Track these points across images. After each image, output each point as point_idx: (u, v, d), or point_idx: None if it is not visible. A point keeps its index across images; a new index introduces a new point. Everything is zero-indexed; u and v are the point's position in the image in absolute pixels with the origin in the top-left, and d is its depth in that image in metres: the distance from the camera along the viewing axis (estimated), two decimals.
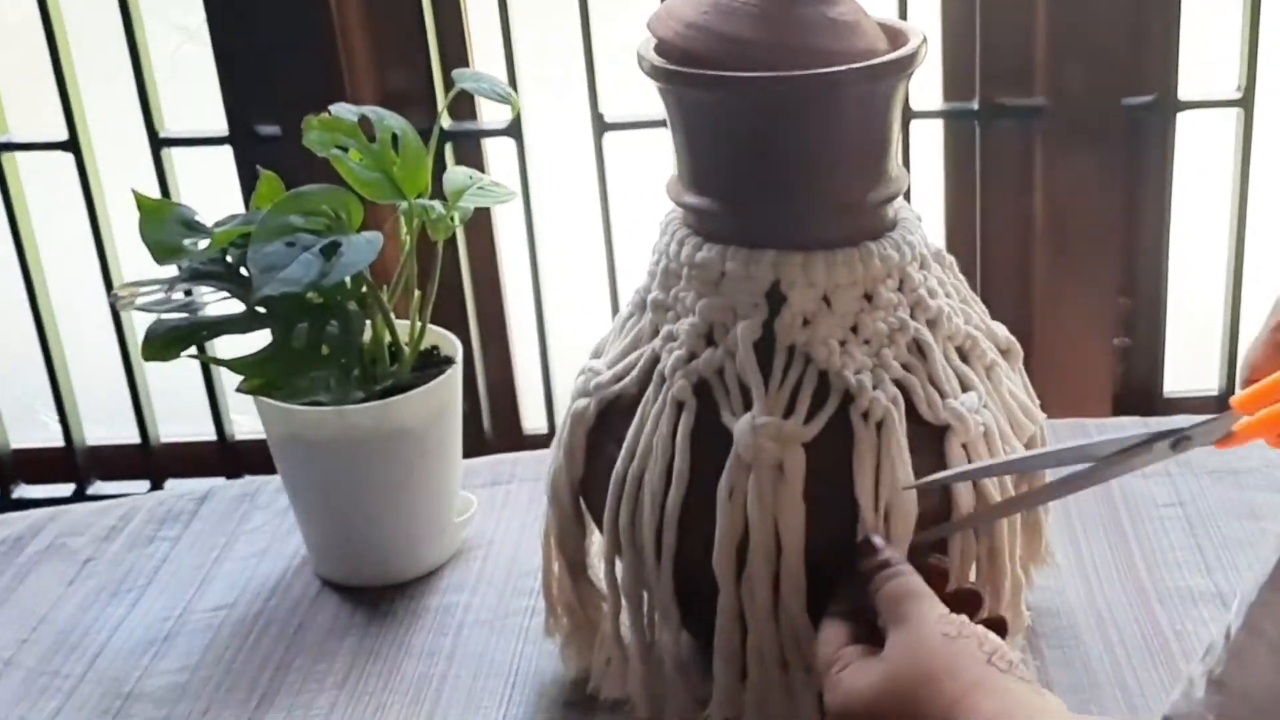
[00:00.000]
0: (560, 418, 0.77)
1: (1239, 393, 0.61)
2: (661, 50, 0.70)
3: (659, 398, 0.70)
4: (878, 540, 0.67)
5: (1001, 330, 0.77)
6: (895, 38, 0.70)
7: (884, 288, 0.70)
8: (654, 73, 0.69)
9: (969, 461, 0.69)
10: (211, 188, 1.38)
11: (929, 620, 0.62)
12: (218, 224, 0.85)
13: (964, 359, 0.72)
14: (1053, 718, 0.57)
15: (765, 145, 0.68)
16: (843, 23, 0.68)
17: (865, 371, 0.68)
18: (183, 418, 1.54)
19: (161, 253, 0.82)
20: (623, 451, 0.71)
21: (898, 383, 0.69)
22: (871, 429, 0.68)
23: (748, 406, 0.68)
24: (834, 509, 0.67)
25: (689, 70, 0.67)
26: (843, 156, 0.69)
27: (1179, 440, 0.64)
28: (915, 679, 0.60)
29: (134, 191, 0.84)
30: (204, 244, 0.82)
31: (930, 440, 0.69)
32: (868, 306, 0.69)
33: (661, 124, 1.31)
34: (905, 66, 0.67)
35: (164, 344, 0.76)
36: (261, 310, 0.80)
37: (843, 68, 0.66)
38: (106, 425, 1.54)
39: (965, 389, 0.71)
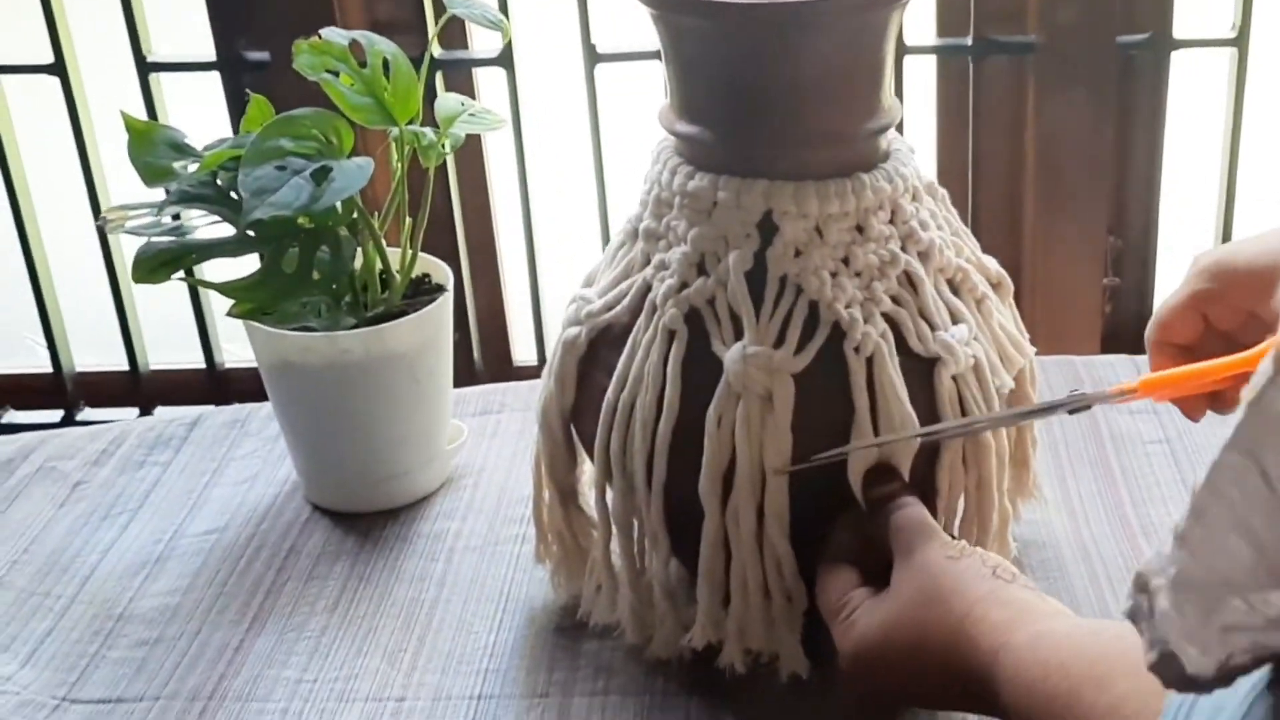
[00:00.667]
0: (550, 349, 0.77)
1: (1149, 375, 0.63)
2: None
3: (650, 326, 0.71)
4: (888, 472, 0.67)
5: (993, 264, 0.77)
6: None
7: (875, 219, 0.70)
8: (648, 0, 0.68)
9: (959, 394, 0.70)
10: (200, 114, 1.37)
11: (932, 547, 0.63)
12: (207, 147, 0.84)
13: (955, 292, 0.73)
14: (1059, 619, 0.58)
15: (758, 73, 0.68)
16: None
17: (856, 304, 0.68)
18: (172, 345, 1.54)
19: (151, 175, 0.81)
20: (613, 380, 0.71)
21: (887, 315, 0.69)
22: (862, 361, 0.68)
23: (738, 336, 0.68)
24: (821, 440, 0.68)
25: None
26: (836, 86, 0.68)
27: (1078, 408, 0.65)
28: (923, 602, 0.61)
29: (123, 113, 0.83)
30: (193, 167, 0.82)
31: (921, 372, 0.69)
32: (859, 238, 0.70)
33: (654, 55, 1.31)
34: None
35: (153, 266, 0.76)
36: (252, 234, 0.79)
37: None
38: (95, 352, 1.53)
39: (956, 322, 0.71)
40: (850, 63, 0.68)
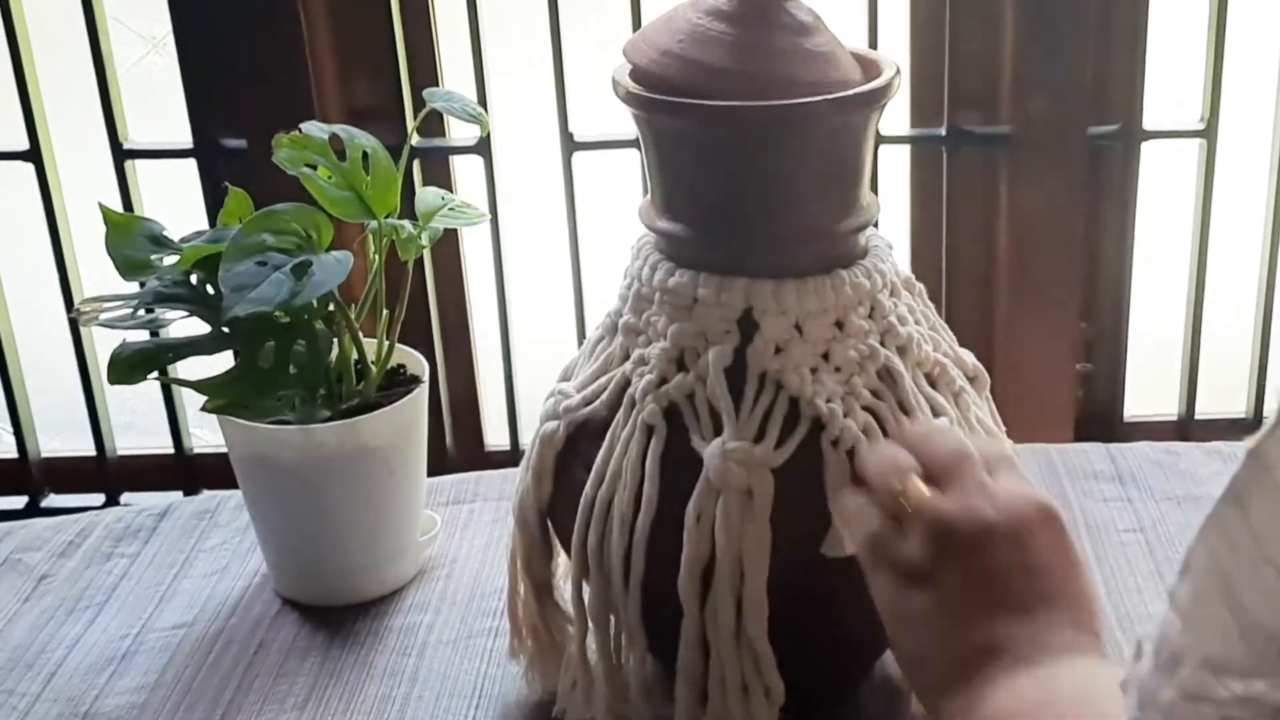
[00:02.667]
0: (525, 436, 0.76)
1: None
2: (637, 76, 0.70)
3: (629, 421, 0.70)
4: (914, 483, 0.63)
5: (969, 357, 0.77)
6: (869, 68, 0.70)
7: (855, 315, 0.70)
8: (629, 99, 0.69)
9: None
10: (174, 200, 1.37)
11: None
12: (184, 239, 0.84)
13: (933, 386, 0.73)
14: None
15: (739, 173, 0.68)
16: (818, 53, 0.68)
17: (836, 399, 0.68)
18: (139, 430, 1.52)
19: (128, 268, 0.81)
20: (591, 475, 0.71)
21: (869, 409, 0.69)
22: (842, 456, 0.68)
23: (718, 432, 0.68)
24: (799, 536, 0.67)
25: (664, 98, 0.67)
26: (815, 185, 0.69)
27: None
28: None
29: (101, 205, 0.83)
30: (171, 260, 0.82)
31: None
32: (839, 334, 0.70)
33: (630, 144, 1.32)
34: (879, 98, 0.68)
35: (129, 367, 0.75)
36: (227, 331, 0.79)
37: (817, 98, 0.66)
38: (62, 436, 1.52)
39: (936, 415, 0.71)
40: (830, 162, 0.69)
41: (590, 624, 0.73)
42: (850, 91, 0.67)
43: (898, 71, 0.69)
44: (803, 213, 0.69)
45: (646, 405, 0.70)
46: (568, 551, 0.73)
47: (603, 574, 0.71)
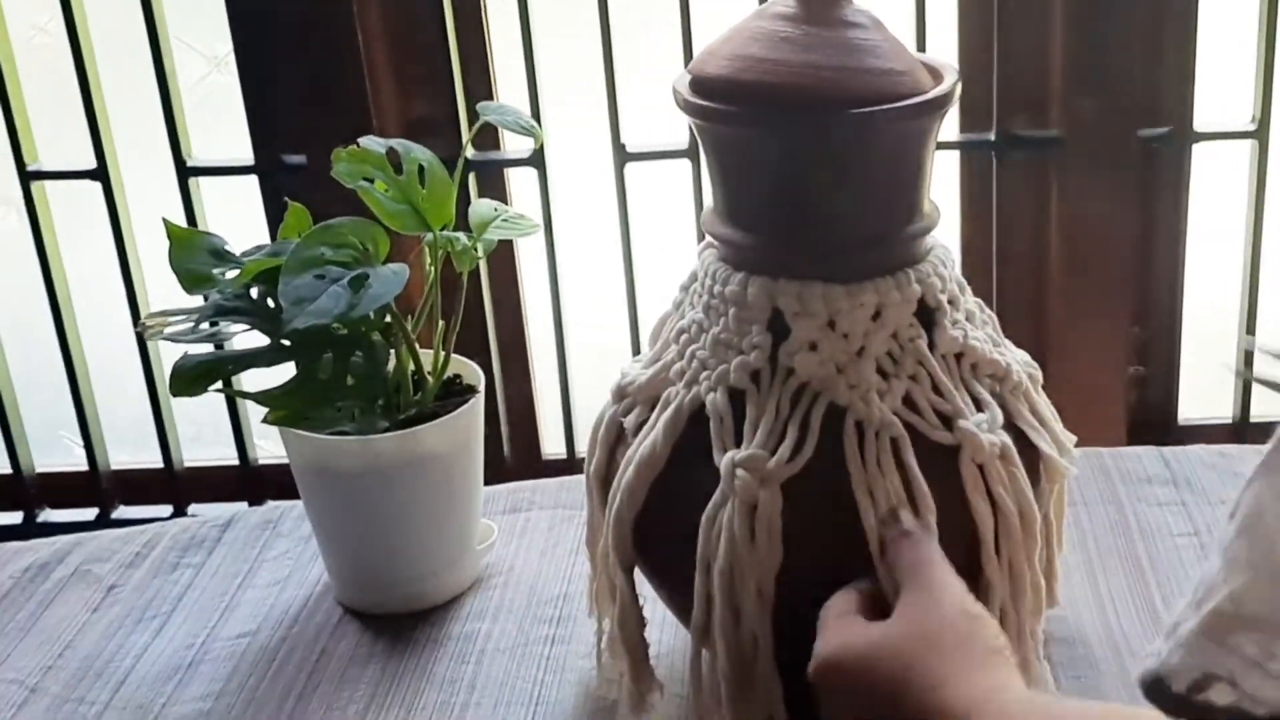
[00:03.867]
0: (580, 445, 0.78)
1: None
2: (704, 86, 0.71)
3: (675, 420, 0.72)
4: (905, 514, 0.67)
5: (1023, 356, 0.78)
6: (930, 72, 0.71)
7: (916, 319, 0.71)
8: (690, 109, 0.70)
9: (983, 480, 0.70)
10: (237, 216, 1.39)
11: (953, 590, 0.61)
12: (245, 254, 0.86)
13: (987, 387, 0.73)
14: (1051, 704, 0.56)
15: (801, 180, 0.69)
16: (882, 48, 0.69)
17: (885, 400, 0.69)
18: (206, 442, 1.55)
19: (191, 282, 0.83)
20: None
21: (913, 408, 0.70)
22: (889, 458, 0.68)
23: (750, 436, 0.69)
24: (817, 547, 0.68)
25: (725, 107, 0.69)
26: (879, 192, 0.70)
27: None
28: (924, 641, 0.59)
29: (165, 221, 0.85)
30: (232, 273, 0.84)
31: (945, 462, 0.70)
32: (900, 337, 0.71)
33: (682, 154, 1.33)
34: (941, 105, 0.69)
35: (192, 379, 0.78)
36: (287, 343, 0.81)
37: (881, 107, 0.67)
38: (130, 449, 1.55)
39: (980, 409, 0.72)
40: (893, 168, 0.70)
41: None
42: (913, 100, 0.68)
43: (959, 78, 0.70)
44: (865, 219, 0.70)
45: (689, 407, 0.71)
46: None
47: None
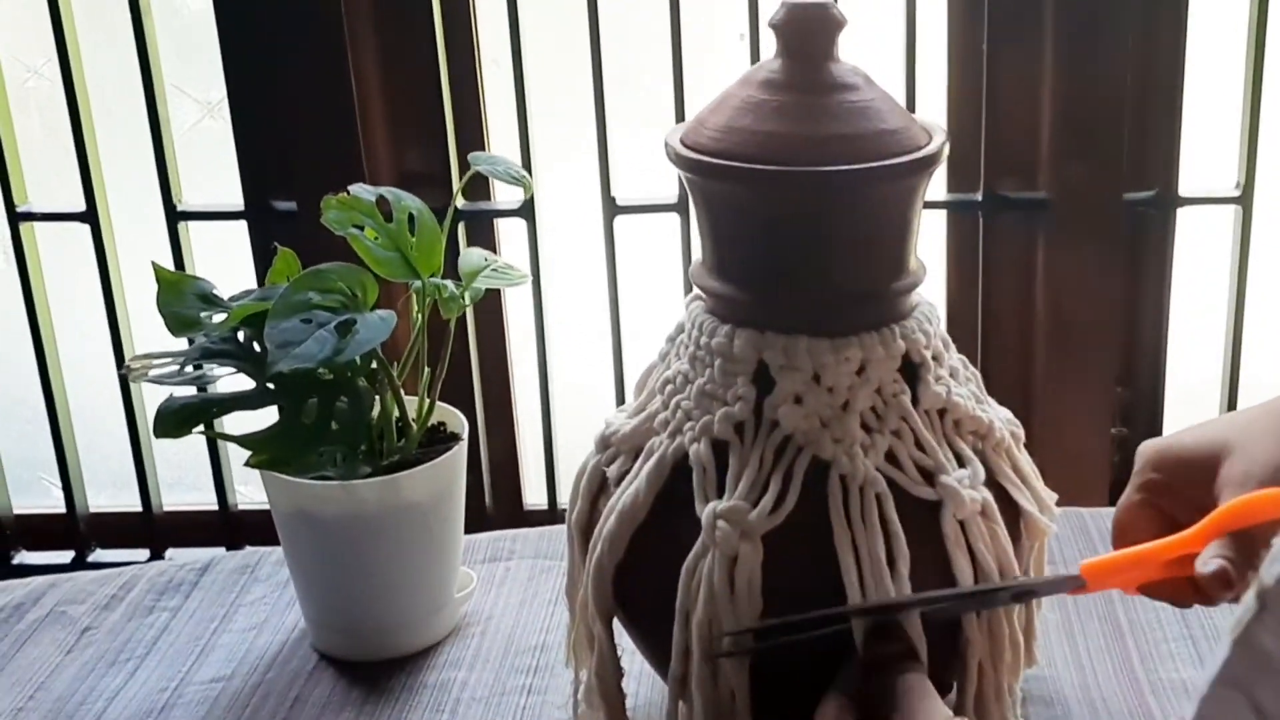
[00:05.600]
0: (563, 495, 0.78)
1: (1090, 559, 0.64)
2: (693, 151, 0.71)
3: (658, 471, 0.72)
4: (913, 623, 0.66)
5: (1006, 414, 0.78)
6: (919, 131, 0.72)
7: (900, 374, 0.71)
8: (681, 163, 0.71)
9: (964, 537, 0.70)
10: (225, 261, 1.40)
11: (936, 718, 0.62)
12: (233, 298, 0.86)
13: (970, 444, 0.73)
14: None
15: (789, 236, 0.70)
16: (871, 109, 0.70)
17: (868, 455, 0.69)
18: (185, 486, 1.55)
19: (178, 325, 0.83)
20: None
21: (895, 464, 0.70)
22: (873, 512, 0.68)
23: (733, 488, 0.69)
24: (798, 599, 0.68)
25: (716, 160, 0.69)
26: (866, 248, 0.71)
27: (1022, 594, 0.67)
28: None
29: (154, 265, 0.85)
30: (219, 317, 0.84)
31: (927, 518, 0.70)
32: (884, 392, 0.71)
33: (671, 208, 1.34)
34: (929, 164, 0.70)
35: (177, 421, 0.77)
36: (271, 386, 0.81)
37: (870, 164, 0.68)
38: (109, 492, 1.54)
39: (961, 466, 0.72)
40: (880, 225, 0.70)
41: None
42: (901, 159, 0.69)
43: (947, 137, 0.71)
44: (851, 275, 0.71)
45: (672, 458, 0.71)
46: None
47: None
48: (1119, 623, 0.90)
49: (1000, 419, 0.76)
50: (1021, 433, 0.78)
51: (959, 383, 0.74)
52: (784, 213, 0.69)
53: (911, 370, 0.72)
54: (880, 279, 0.71)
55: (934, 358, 0.73)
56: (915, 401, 0.72)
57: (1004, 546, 0.71)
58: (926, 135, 0.71)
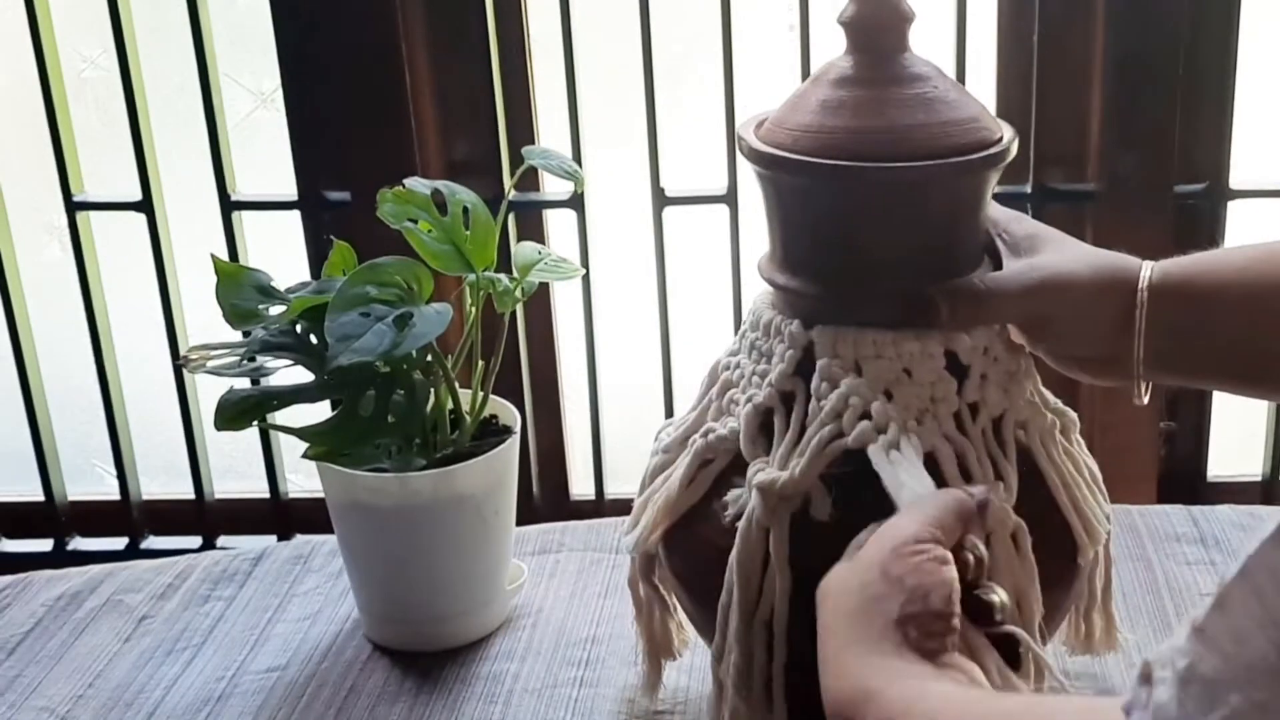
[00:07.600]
0: (610, 487, 0.79)
1: None
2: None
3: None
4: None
5: (1057, 404, 0.78)
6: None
7: (946, 371, 0.71)
8: (754, 156, 0.71)
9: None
10: (278, 250, 1.41)
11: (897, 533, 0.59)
12: (290, 290, 0.87)
13: (1021, 434, 0.73)
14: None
15: (859, 230, 0.70)
16: (945, 100, 0.70)
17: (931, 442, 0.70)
18: (236, 474, 1.56)
19: (236, 317, 0.84)
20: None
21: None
22: None
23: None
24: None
25: (788, 155, 0.70)
26: (936, 242, 0.71)
27: None
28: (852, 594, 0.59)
29: (213, 257, 0.86)
30: (277, 309, 0.85)
31: None
32: (933, 384, 0.71)
33: (720, 199, 1.33)
34: (997, 161, 0.70)
35: (235, 414, 0.78)
36: (330, 379, 0.81)
37: (939, 161, 0.68)
38: (161, 480, 1.56)
39: (1021, 465, 0.72)
40: (950, 220, 0.71)
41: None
42: (971, 156, 0.69)
43: (1015, 135, 0.71)
44: (921, 270, 0.71)
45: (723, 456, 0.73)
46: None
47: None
48: (1169, 619, 0.90)
49: (1051, 410, 0.76)
50: (1075, 421, 0.78)
51: (1013, 378, 0.74)
52: (854, 207, 0.70)
53: (957, 364, 0.72)
54: (951, 273, 0.71)
55: (988, 351, 0.73)
56: (961, 393, 0.71)
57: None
58: (997, 124, 0.72)
